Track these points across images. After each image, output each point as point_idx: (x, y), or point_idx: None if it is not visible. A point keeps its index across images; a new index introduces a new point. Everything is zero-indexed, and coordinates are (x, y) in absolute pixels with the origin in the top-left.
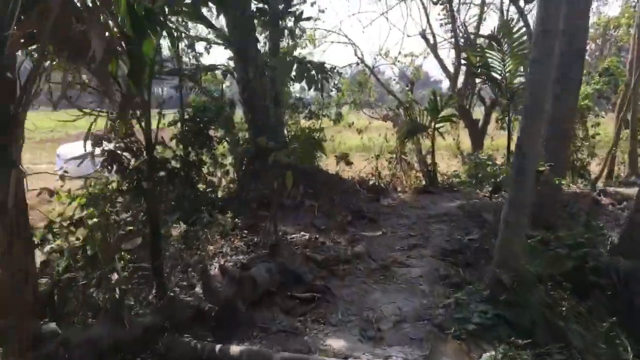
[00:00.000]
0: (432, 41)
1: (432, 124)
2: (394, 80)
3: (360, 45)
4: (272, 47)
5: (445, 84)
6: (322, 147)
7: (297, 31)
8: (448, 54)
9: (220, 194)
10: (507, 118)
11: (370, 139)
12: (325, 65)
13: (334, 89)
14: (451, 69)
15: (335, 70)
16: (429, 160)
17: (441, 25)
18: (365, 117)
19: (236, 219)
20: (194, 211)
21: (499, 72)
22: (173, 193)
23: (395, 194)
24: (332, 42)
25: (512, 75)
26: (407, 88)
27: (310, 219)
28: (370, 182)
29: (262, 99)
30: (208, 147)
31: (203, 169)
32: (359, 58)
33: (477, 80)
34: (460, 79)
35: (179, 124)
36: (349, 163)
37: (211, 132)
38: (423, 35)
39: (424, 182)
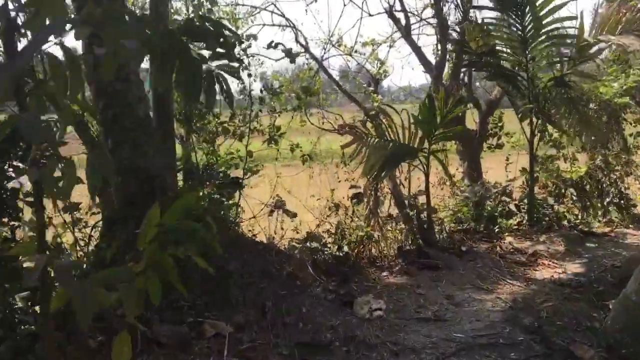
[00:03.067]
0: (403, 21)
1: (426, 143)
2: (347, 74)
3: (304, 29)
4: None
5: (386, 84)
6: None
7: None
8: (418, 39)
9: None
10: (530, 128)
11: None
12: (226, 27)
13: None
14: (432, 59)
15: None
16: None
17: None
18: (313, 127)
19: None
20: None
21: (518, 61)
22: None
23: (374, 274)
24: (264, 24)
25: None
26: (370, 88)
27: None
28: (328, 245)
29: (128, 95)
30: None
31: None
32: (302, 46)
33: (481, 74)
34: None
35: None
36: (291, 215)
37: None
38: (390, 13)
39: (409, 239)
